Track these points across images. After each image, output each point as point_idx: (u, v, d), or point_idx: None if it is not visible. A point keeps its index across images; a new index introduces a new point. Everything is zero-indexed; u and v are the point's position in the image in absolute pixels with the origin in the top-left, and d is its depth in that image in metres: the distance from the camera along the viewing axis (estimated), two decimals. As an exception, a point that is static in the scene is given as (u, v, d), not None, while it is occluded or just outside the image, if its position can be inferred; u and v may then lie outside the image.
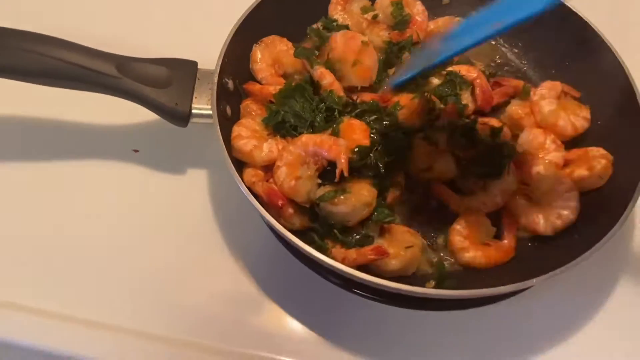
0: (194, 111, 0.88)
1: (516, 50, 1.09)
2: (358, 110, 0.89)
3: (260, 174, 0.85)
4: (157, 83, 0.87)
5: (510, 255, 0.84)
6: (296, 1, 1.01)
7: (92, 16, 1.16)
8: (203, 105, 0.88)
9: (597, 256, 0.76)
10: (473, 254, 0.83)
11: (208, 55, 0.91)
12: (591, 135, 0.95)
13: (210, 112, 0.85)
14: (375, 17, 1.04)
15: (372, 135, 0.86)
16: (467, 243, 0.84)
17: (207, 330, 0.83)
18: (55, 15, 1.14)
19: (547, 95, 0.95)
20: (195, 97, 0.88)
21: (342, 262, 0.77)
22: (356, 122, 0.87)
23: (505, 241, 0.85)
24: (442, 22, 1.07)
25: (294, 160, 0.82)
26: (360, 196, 0.80)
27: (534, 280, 0.73)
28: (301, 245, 0.75)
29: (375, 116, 0.89)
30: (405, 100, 0.91)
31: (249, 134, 0.87)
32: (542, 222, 0.85)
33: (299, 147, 0.83)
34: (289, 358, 0.81)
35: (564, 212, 0.84)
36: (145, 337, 0.82)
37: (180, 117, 0.87)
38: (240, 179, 0.80)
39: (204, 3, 1.20)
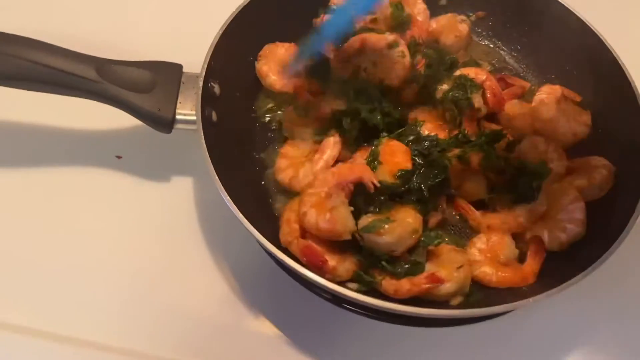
0: (178, 117, 0.84)
1: (515, 54, 1.05)
2: (397, 131, 0.86)
3: (296, 232, 0.78)
4: (140, 87, 0.83)
5: (529, 281, 0.79)
6: (287, 4, 0.98)
7: (71, 16, 1.11)
8: (187, 111, 0.84)
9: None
10: (484, 270, 0.79)
11: (194, 58, 0.87)
12: (592, 141, 0.91)
13: (195, 117, 0.82)
14: (374, 19, 1.00)
15: (413, 157, 0.82)
16: (481, 257, 0.80)
17: (193, 346, 0.80)
18: (31, 16, 1.10)
19: (546, 100, 0.91)
20: (180, 102, 0.85)
21: (395, 294, 0.74)
22: (396, 144, 0.83)
23: (527, 265, 0.80)
24: (445, 21, 1.02)
25: (318, 199, 0.77)
26: (405, 224, 0.76)
27: (531, 299, 0.70)
28: (290, 264, 0.72)
29: (412, 137, 0.85)
30: (422, 115, 0.88)
31: (288, 163, 0.85)
32: (547, 237, 0.80)
33: (319, 185, 0.78)
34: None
35: (569, 226, 0.80)
36: (127, 354, 0.79)
37: (164, 123, 0.84)
38: (223, 189, 0.76)
39: (190, 4, 1.15)
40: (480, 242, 0.82)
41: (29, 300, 0.82)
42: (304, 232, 0.77)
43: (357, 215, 0.77)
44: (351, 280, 0.77)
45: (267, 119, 0.95)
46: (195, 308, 0.83)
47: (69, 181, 0.93)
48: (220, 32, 0.89)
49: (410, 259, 0.78)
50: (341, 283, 0.74)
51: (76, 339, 0.79)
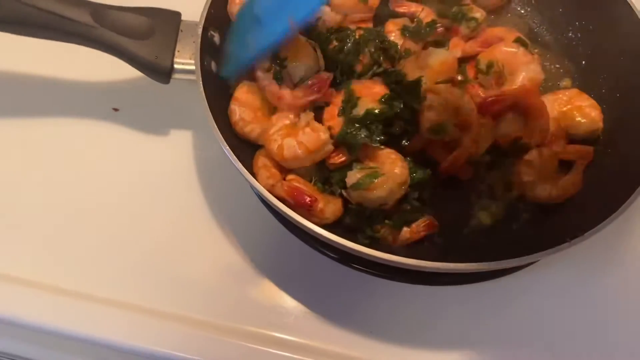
0: (176, 66, 0.82)
1: (529, 9, 1.00)
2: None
3: (276, 173, 0.76)
4: (136, 34, 0.80)
5: (578, 187, 0.78)
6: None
7: None
8: (186, 60, 0.81)
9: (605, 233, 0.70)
10: (543, 187, 0.78)
11: (193, 5, 0.83)
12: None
13: (194, 67, 0.79)
14: None
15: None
16: (535, 176, 0.78)
17: (194, 303, 0.79)
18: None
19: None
20: (178, 51, 0.82)
21: (394, 243, 0.74)
22: (369, 81, 0.80)
23: (571, 174, 0.79)
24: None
25: (287, 129, 0.75)
26: (394, 176, 0.74)
27: (539, 254, 0.69)
28: (296, 218, 0.70)
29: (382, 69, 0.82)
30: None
31: (252, 116, 0.79)
32: None
33: (280, 119, 0.76)
34: (282, 334, 0.77)
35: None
36: (129, 309, 0.77)
37: (161, 71, 0.81)
38: (225, 142, 0.73)
39: None
40: (531, 158, 0.80)
41: (28, 253, 0.81)
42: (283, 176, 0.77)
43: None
44: (350, 228, 0.76)
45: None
46: (196, 264, 0.81)
47: (64, 133, 0.90)
48: (220, -22, 0.85)
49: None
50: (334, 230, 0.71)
51: (74, 292, 0.78)
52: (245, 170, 0.72)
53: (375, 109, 0.76)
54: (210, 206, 0.86)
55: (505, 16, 0.97)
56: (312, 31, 0.82)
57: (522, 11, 0.99)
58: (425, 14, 0.90)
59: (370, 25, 0.90)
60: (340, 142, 0.76)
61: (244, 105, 0.79)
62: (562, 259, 0.80)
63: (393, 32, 0.89)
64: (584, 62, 0.90)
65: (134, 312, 0.77)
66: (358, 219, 0.76)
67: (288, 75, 0.76)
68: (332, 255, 0.81)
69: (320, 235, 0.69)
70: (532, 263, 0.79)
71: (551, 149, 0.81)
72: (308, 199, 0.73)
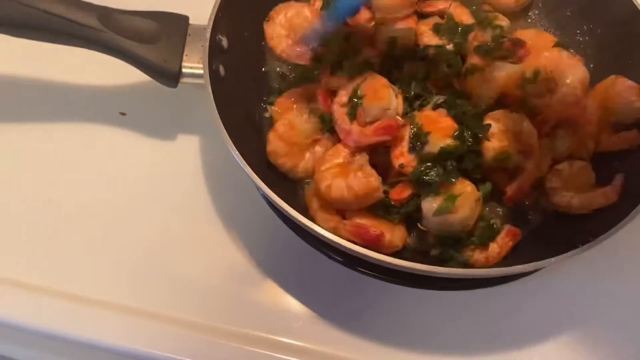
0: (184, 70, 0.81)
1: (536, 12, 0.99)
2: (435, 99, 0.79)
3: (336, 216, 0.74)
4: (144, 38, 0.80)
5: (612, 199, 0.76)
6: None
7: None
8: (194, 64, 0.81)
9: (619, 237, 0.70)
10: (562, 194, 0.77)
11: (201, 9, 0.83)
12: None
13: (202, 71, 0.78)
14: None
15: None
16: (560, 184, 0.78)
17: (199, 307, 0.78)
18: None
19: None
20: (186, 55, 0.81)
21: (488, 263, 0.73)
22: (433, 113, 0.77)
23: (610, 187, 0.77)
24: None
25: (338, 169, 0.73)
26: (470, 195, 0.72)
27: (553, 259, 0.68)
28: (303, 221, 0.69)
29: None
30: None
31: (286, 150, 0.78)
32: None
33: (332, 157, 0.74)
34: (287, 339, 0.76)
35: None
36: (133, 313, 0.77)
37: (169, 75, 0.80)
38: (234, 146, 0.72)
39: None
40: (561, 167, 0.79)
41: (32, 257, 0.81)
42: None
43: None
44: (440, 259, 0.74)
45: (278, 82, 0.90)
46: (203, 268, 0.81)
47: (72, 137, 0.90)
48: (229, -18, 0.85)
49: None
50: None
51: (81, 297, 0.78)
52: (256, 176, 0.71)
53: (451, 147, 0.73)
54: (216, 209, 0.85)
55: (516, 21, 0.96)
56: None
57: (531, 14, 0.98)
58: (454, 7, 0.89)
59: (414, 21, 0.88)
60: (415, 181, 0.73)
61: (281, 139, 0.78)
62: (573, 263, 0.79)
63: (425, 33, 0.87)
64: (592, 65, 0.89)
65: (137, 316, 0.77)
66: (446, 248, 0.74)
67: (362, 112, 0.74)
68: (337, 258, 0.80)
69: (327, 238, 0.68)
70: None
71: (584, 163, 0.80)
72: (374, 234, 0.71)
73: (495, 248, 0.74)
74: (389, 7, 0.86)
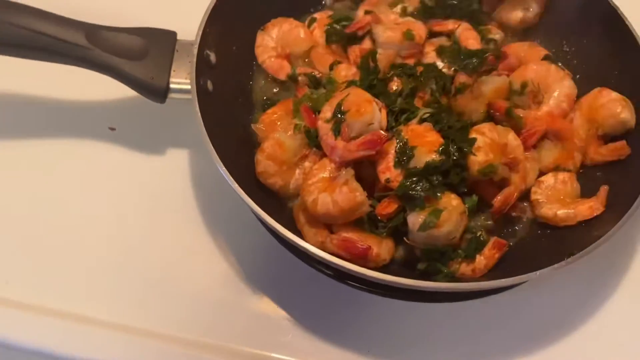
0: (172, 86, 0.82)
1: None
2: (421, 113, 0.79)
3: (324, 230, 0.75)
4: (132, 54, 0.81)
5: (599, 210, 0.77)
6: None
7: None
8: (182, 80, 0.82)
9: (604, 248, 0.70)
10: (549, 207, 0.78)
11: (190, 24, 0.83)
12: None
13: (190, 87, 0.79)
14: (404, 9, 0.95)
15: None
16: (546, 197, 0.79)
17: (191, 323, 0.78)
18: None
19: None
20: (174, 71, 0.82)
21: (475, 275, 0.74)
22: (419, 127, 0.77)
23: (595, 198, 0.78)
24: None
25: (324, 183, 0.74)
26: (456, 208, 0.72)
27: (537, 272, 0.68)
28: (290, 237, 0.69)
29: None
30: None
31: (276, 169, 0.78)
32: None
33: (318, 172, 0.74)
34: (276, 353, 0.76)
35: None
36: (120, 330, 0.77)
37: (157, 92, 0.81)
38: (221, 162, 0.73)
39: None
40: (544, 180, 0.80)
41: (18, 274, 0.81)
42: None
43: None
44: (427, 272, 0.75)
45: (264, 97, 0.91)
46: (192, 283, 0.81)
47: (61, 153, 0.90)
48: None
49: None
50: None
51: (68, 313, 0.77)
52: (243, 192, 0.71)
53: (436, 161, 0.73)
54: (206, 223, 0.85)
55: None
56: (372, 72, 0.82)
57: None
58: (462, 30, 0.89)
59: (420, 58, 0.89)
60: (401, 195, 0.73)
61: (270, 159, 0.78)
62: (561, 274, 0.79)
63: (430, 53, 0.88)
64: (578, 75, 0.90)
65: (126, 333, 0.77)
66: (432, 262, 0.75)
67: (346, 128, 0.75)
68: (327, 271, 0.80)
69: (314, 253, 0.69)
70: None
71: (569, 174, 0.81)
72: (361, 248, 0.72)
73: (481, 260, 0.75)
74: (390, 46, 0.87)
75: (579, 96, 0.87)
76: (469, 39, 0.89)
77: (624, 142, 0.82)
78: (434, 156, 0.73)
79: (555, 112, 0.84)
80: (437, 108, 0.80)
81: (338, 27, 0.91)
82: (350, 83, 0.82)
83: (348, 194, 0.72)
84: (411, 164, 0.73)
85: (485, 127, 0.77)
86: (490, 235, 0.78)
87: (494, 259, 0.75)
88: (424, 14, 0.94)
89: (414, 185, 0.73)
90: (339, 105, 0.76)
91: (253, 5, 0.92)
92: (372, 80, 0.82)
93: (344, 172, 0.74)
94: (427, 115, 0.78)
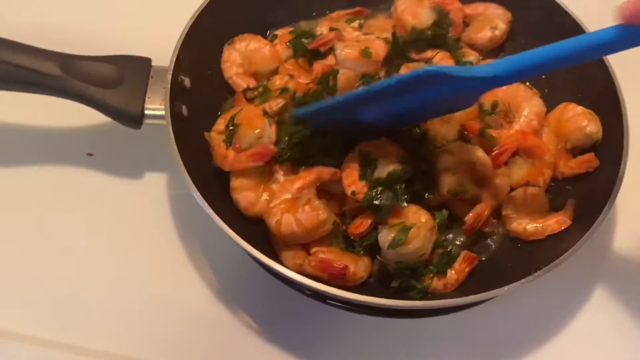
0: (146, 112, 0.83)
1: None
2: None
3: (301, 252, 0.77)
4: (106, 83, 0.81)
5: (567, 223, 0.79)
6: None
7: (32, 9, 1.07)
8: (156, 106, 0.82)
9: (576, 258, 0.72)
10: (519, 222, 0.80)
11: (165, 48, 0.84)
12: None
13: (164, 112, 0.80)
14: (361, 25, 0.98)
15: None
16: (515, 210, 0.81)
17: (171, 347, 0.78)
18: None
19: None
20: (149, 97, 0.83)
21: (447, 290, 0.76)
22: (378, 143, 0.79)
23: (562, 212, 0.80)
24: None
25: (286, 204, 0.75)
26: (425, 224, 0.74)
27: (505, 288, 0.69)
28: (268, 263, 0.70)
29: None
30: None
31: (256, 197, 0.80)
32: None
33: (280, 194, 0.76)
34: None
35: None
36: (101, 356, 0.77)
37: (132, 119, 0.82)
38: (195, 187, 0.74)
39: None
40: (515, 195, 0.82)
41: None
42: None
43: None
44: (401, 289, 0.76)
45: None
46: (174, 306, 0.81)
47: (40, 180, 0.90)
48: (190, 23, 0.87)
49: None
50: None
51: (50, 341, 0.78)
52: (219, 219, 0.72)
53: (398, 170, 0.76)
54: (185, 246, 0.86)
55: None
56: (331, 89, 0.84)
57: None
58: (440, 58, 0.91)
59: (382, 74, 0.90)
60: (367, 206, 0.76)
61: (245, 189, 0.80)
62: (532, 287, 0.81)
63: None
64: (546, 90, 0.92)
65: (105, 359, 0.77)
66: (405, 278, 0.76)
67: (237, 140, 0.79)
68: (307, 292, 0.81)
69: (291, 278, 0.70)
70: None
71: (538, 189, 0.83)
72: (338, 268, 0.73)
73: (452, 275, 0.77)
74: (348, 63, 0.88)
75: (548, 111, 0.89)
76: None
77: (592, 154, 0.84)
78: (396, 166, 0.76)
79: (526, 130, 0.86)
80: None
81: (305, 41, 0.93)
82: (283, 91, 0.85)
83: (311, 213, 0.74)
84: (375, 175, 0.76)
85: (454, 146, 0.79)
86: (463, 249, 0.79)
87: (464, 273, 0.77)
88: (396, 51, 0.92)
89: (378, 195, 0.75)
90: (232, 118, 0.80)
91: (227, 29, 0.94)
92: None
93: (306, 192, 0.76)
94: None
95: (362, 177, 0.77)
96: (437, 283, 0.76)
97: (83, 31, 0.99)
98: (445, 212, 0.78)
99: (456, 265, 0.77)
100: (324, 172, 0.78)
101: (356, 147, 0.79)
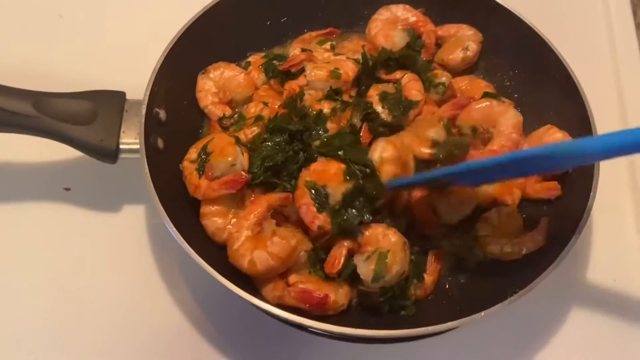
0: (122, 147, 0.82)
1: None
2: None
3: (280, 283, 0.76)
4: (80, 119, 0.81)
5: (541, 244, 0.80)
6: (231, 24, 0.96)
7: (2, 46, 1.06)
8: (131, 140, 0.82)
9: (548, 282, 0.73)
10: (497, 242, 0.81)
11: (140, 80, 0.84)
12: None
13: (139, 147, 0.80)
14: (332, 46, 0.98)
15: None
16: (490, 231, 0.82)
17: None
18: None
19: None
20: (123, 132, 0.83)
21: (426, 294, 0.79)
22: (317, 164, 0.80)
23: (536, 231, 0.80)
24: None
25: (252, 241, 0.75)
26: (398, 244, 0.75)
27: (482, 313, 0.70)
28: (246, 297, 0.71)
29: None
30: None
31: (224, 222, 0.80)
32: None
33: (239, 232, 0.76)
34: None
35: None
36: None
37: (107, 154, 0.82)
38: (170, 222, 0.74)
39: (132, 27, 1.10)
40: (490, 216, 0.83)
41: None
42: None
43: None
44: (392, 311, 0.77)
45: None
46: (155, 335, 0.82)
47: (16, 216, 0.90)
48: (164, 56, 0.87)
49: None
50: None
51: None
52: (195, 254, 0.72)
53: (350, 188, 0.76)
54: (164, 274, 0.86)
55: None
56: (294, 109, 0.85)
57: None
58: (408, 79, 0.91)
59: (352, 94, 0.91)
60: (338, 233, 0.76)
61: (214, 215, 0.80)
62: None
63: (372, 97, 0.89)
64: (519, 109, 0.94)
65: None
66: (393, 300, 0.76)
67: (210, 168, 0.79)
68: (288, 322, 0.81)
69: (270, 312, 0.71)
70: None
71: (512, 208, 0.84)
72: (318, 297, 0.73)
73: (428, 278, 0.79)
74: (318, 83, 0.89)
75: (524, 129, 0.90)
76: (413, 89, 0.90)
77: (555, 182, 0.85)
78: (344, 185, 0.76)
79: (508, 145, 0.86)
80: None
81: (277, 63, 0.94)
82: (258, 118, 0.87)
83: (281, 243, 0.75)
84: (330, 201, 0.76)
85: (390, 140, 0.80)
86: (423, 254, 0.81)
87: (438, 271, 0.80)
88: (365, 72, 0.92)
89: (345, 219, 0.76)
90: (205, 147, 0.81)
91: (201, 59, 0.94)
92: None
93: (266, 225, 0.76)
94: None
95: (319, 209, 0.76)
96: (418, 291, 0.78)
97: (57, 67, 0.99)
98: (403, 220, 0.80)
99: (428, 267, 0.80)
100: (273, 198, 0.78)
101: (298, 182, 0.78)
